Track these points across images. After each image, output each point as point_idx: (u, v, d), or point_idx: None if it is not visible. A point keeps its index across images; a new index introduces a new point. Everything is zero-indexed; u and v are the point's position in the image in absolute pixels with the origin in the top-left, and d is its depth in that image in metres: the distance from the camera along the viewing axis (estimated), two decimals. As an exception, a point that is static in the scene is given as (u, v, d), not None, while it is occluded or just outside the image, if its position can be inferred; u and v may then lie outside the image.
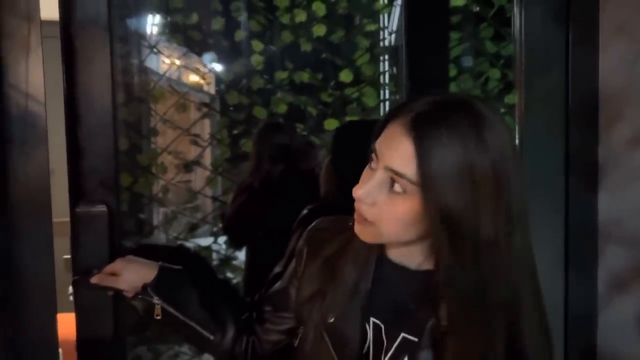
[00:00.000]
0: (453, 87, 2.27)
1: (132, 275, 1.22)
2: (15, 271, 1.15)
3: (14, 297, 1.15)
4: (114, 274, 1.22)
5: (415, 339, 0.95)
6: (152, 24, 2.66)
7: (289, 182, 2.18)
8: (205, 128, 3.17)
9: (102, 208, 1.29)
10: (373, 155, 0.91)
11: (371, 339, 1.00)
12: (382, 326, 0.99)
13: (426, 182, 0.83)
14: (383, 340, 0.98)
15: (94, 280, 1.21)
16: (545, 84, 1.44)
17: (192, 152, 3.06)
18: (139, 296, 1.21)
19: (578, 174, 1.46)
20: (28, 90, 1.13)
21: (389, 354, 0.97)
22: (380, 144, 0.90)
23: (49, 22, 1.24)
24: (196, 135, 3.06)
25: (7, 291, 1.13)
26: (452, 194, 0.83)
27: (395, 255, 0.99)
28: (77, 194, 1.29)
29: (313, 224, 1.17)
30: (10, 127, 1.14)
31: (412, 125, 0.86)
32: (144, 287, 1.20)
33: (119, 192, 1.30)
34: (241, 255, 2.36)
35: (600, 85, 1.44)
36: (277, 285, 1.24)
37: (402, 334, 0.95)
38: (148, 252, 1.27)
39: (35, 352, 1.17)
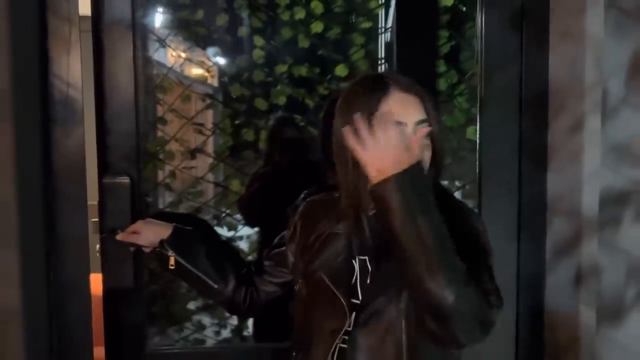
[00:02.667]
0: (442, 83, 2.46)
1: (150, 233, 1.50)
2: (57, 225, 1.43)
3: (56, 247, 1.43)
4: (135, 233, 1.50)
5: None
6: (160, 19, 2.84)
7: (296, 171, 2.44)
8: (209, 118, 3.38)
9: (125, 179, 1.56)
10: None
11: (358, 271, 1.29)
12: (366, 258, 1.28)
13: (430, 115, 1.20)
14: (368, 268, 1.28)
15: (119, 237, 1.48)
16: (503, 79, 1.66)
17: (197, 141, 3.27)
18: (157, 250, 1.48)
19: (530, 155, 1.67)
20: (69, 80, 1.41)
21: (373, 277, 1.27)
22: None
23: (86, 17, 1.51)
24: (200, 125, 3.26)
25: (52, 240, 1.41)
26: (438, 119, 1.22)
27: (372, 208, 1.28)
28: (104, 167, 1.56)
29: (305, 201, 1.47)
30: (54, 110, 1.41)
31: (409, 89, 1.21)
32: (161, 243, 1.47)
33: (140, 165, 1.57)
34: (241, 237, 2.61)
35: (550, 80, 1.67)
36: (278, 248, 1.52)
37: (383, 262, 1.24)
38: (164, 218, 1.53)
39: (72, 292, 1.44)
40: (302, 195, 1.87)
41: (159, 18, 2.83)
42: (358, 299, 1.29)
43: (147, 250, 1.51)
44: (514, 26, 1.65)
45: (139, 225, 1.52)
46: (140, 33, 2.67)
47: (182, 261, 1.49)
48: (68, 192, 1.45)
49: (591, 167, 1.54)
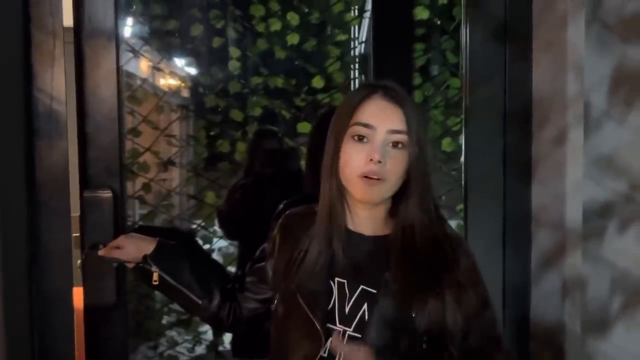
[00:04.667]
0: (417, 95, 2.49)
1: (133, 248, 1.48)
2: (40, 238, 1.40)
3: (38, 259, 1.40)
4: (118, 248, 1.47)
5: (374, 291, 1.22)
6: (133, 29, 2.82)
7: (276, 182, 2.43)
8: (183, 129, 3.35)
9: (107, 192, 1.54)
10: (360, 129, 1.21)
11: (336, 294, 1.27)
12: (345, 281, 1.27)
13: (412, 131, 1.19)
14: (346, 293, 1.26)
15: (101, 252, 1.46)
16: (487, 91, 1.70)
17: (171, 153, 3.24)
18: (140, 265, 1.46)
19: (514, 167, 1.71)
20: (52, 94, 1.39)
21: (351, 303, 1.25)
22: (369, 118, 1.22)
23: (69, 29, 1.49)
24: (173, 137, 3.23)
25: (34, 253, 1.39)
26: (422, 137, 1.19)
27: (355, 225, 1.27)
28: (85, 180, 1.54)
29: (284, 214, 1.46)
30: (37, 122, 1.39)
31: (389, 95, 1.20)
32: (145, 258, 1.46)
33: (122, 178, 1.55)
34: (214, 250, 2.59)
35: (533, 93, 1.71)
36: (258, 262, 1.51)
37: (361, 286, 1.23)
38: (147, 232, 1.51)
39: (54, 305, 1.41)
40: (282, 206, 1.87)
41: (131, 28, 2.81)
42: (335, 324, 1.26)
43: (130, 265, 1.49)
44: (498, 39, 1.69)
45: (121, 240, 1.50)
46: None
47: (166, 277, 1.47)
48: (51, 205, 1.43)
49: (574, 179, 1.58)
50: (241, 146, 2.67)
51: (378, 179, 1.23)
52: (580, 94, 1.55)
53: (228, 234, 2.49)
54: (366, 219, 1.28)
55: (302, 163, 2.36)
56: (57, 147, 1.43)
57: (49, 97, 1.42)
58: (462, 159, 1.75)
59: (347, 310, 1.26)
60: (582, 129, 1.55)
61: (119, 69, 1.55)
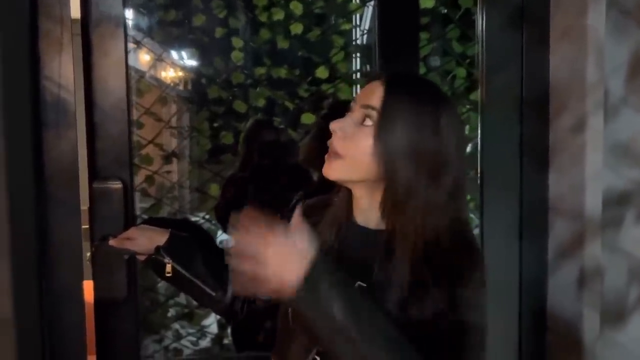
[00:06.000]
0: None
1: (145, 239, 1.43)
2: (49, 231, 1.36)
3: (48, 252, 1.36)
4: (129, 239, 1.43)
5: (364, 285, 1.15)
6: (136, 20, 2.79)
7: (275, 174, 2.39)
8: (185, 121, 3.33)
9: (117, 183, 1.49)
10: (350, 106, 1.15)
11: None
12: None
13: (390, 111, 1.08)
14: None
15: (112, 242, 1.41)
16: (504, 79, 1.66)
17: (174, 145, 3.22)
18: (152, 257, 1.41)
19: (531, 156, 1.67)
20: (60, 82, 1.35)
21: None
22: (359, 95, 1.14)
23: (77, 20, 1.45)
24: (176, 128, 3.21)
25: (43, 248, 1.34)
26: (402, 129, 1.08)
27: (357, 217, 1.22)
28: (94, 171, 1.50)
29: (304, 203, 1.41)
30: (45, 113, 1.35)
31: (390, 82, 1.11)
32: (157, 249, 1.41)
33: (132, 169, 1.51)
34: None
35: (550, 80, 1.67)
36: None
37: (357, 283, 1.16)
38: (157, 223, 1.47)
39: (64, 299, 1.38)
40: (297, 197, 1.83)
41: (133, 19, 2.78)
42: None
43: (141, 257, 1.45)
44: (514, 26, 1.65)
45: (133, 231, 1.45)
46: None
47: (179, 268, 1.42)
48: (60, 197, 1.38)
49: (594, 167, 1.55)
50: (243, 138, 2.64)
51: (335, 153, 1.15)
52: (600, 81, 1.51)
53: (225, 228, 2.45)
54: (364, 209, 1.21)
55: (300, 155, 2.32)
56: (66, 137, 1.38)
57: (57, 86, 1.37)
58: (478, 147, 1.71)
59: None
60: (602, 116, 1.51)
61: (127, 57, 1.51)
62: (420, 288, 1.07)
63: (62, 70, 1.33)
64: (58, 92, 1.36)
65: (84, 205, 1.47)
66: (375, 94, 1.12)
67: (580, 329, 1.59)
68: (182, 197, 3.16)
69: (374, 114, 1.11)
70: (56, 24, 1.35)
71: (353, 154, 1.13)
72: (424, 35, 2.63)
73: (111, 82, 1.51)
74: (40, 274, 1.36)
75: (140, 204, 2.60)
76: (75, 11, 1.41)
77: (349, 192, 1.21)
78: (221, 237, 2.36)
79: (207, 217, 2.75)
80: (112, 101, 1.51)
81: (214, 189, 2.73)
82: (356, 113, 1.14)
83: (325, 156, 1.16)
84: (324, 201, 1.31)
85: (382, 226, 1.17)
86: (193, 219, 2.72)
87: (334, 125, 1.13)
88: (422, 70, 2.55)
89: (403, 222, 1.11)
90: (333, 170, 1.15)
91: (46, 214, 1.37)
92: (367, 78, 1.19)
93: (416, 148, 1.09)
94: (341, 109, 1.19)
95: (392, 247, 1.13)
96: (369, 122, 1.12)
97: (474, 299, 1.07)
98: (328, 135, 1.17)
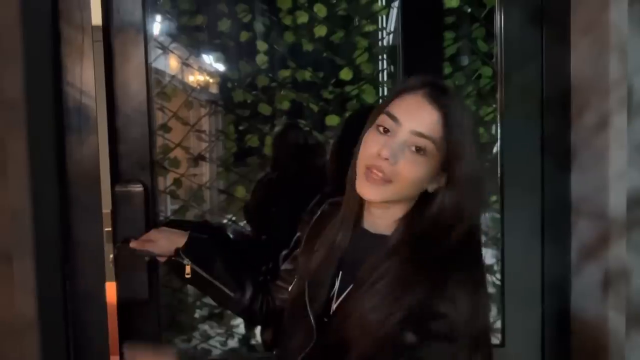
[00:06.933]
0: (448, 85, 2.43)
1: (165, 241, 1.46)
2: (72, 233, 1.39)
3: (71, 254, 1.39)
4: (149, 241, 1.45)
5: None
6: (162, 25, 2.82)
7: (302, 175, 2.40)
8: (212, 124, 3.35)
9: (139, 187, 1.52)
10: (386, 120, 1.12)
11: (337, 287, 1.21)
12: (347, 276, 1.20)
13: (452, 140, 1.08)
14: (345, 287, 1.19)
15: (132, 244, 1.44)
16: (524, 77, 1.64)
17: (200, 148, 3.24)
18: (172, 259, 1.43)
19: (553, 156, 1.65)
20: (82, 87, 1.38)
21: (340, 298, 1.17)
22: (399, 111, 1.12)
23: (99, 28, 1.48)
24: (202, 132, 3.23)
25: (66, 250, 1.37)
26: (466, 148, 1.09)
27: (369, 223, 1.21)
28: (116, 175, 1.52)
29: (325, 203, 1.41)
30: (67, 117, 1.38)
31: (433, 96, 1.10)
32: (176, 251, 1.43)
33: (153, 172, 1.53)
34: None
35: (572, 78, 1.64)
36: (292, 251, 1.48)
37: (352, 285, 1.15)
38: (178, 226, 1.49)
39: (87, 300, 1.41)
40: (318, 197, 1.83)
41: (160, 24, 2.82)
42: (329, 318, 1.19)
43: (162, 259, 1.47)
44: (534, 23, 1.62)
45: (152, 233, 1.47)
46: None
47: (198, 270, 1.44)
48: (83, 200, 1.41)
49: (618, 166, 1.51)
50: (270, 140, 2.65)
51: (382, 179, 1.12)
52: (623, 77, 1.48)
53: (254, 228, 2.47)
54: (378, 217, 1.20)
55: (327, 157, 2.33)
56: (88, 141, 1.41)
57: (78, 92, 1.40)
58: (498, 148, 1.69)
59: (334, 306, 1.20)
60: (626, 114, 1.48)
61: (147, 62, 1.53)
62: (418, 289, 1.06)
63: (84, 76, 1.36)
64: (80, 97, 1.39)
65: (106, 208, 1.50)
66: (428, 118, 1.11)
67: (605, 333, 1.56)
68: (209, 199, 3.18)
69: (429, 144, 1.10)
70: (78, 30, 1.38)
71: (402, 180, 1.12)
72: (448, 35, 2.61)
73: (132, 87, 1.54)
74: (64, 275, 1.39)
75: (171, 206, 2.63)
76: (96, 18, 1.44)
77: (357, 195, 1.21)
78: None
79: (233, 219, 2.77)
80: (133, 105, 1.54)
81: (240, 191, 2.74)
82: (402, 137, 1.11)
83: (365, 174, 1.13)
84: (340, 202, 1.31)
85: (388, 232, 1.17)
86: (220, 220, 2.75)
87: (385, 152, 1.11)
88: (447, 70, 2.53)
89: (429, 232, 1.11)
90: (378, 194, 1.13)
91: (69, 217, 1.40)
92: (401, 88, 1.17)
93: (478, 172, 1.12)
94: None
95: (399, 250, 1.12)
96: (420, 149, 1.11)
97: (471, 307, 1.06)
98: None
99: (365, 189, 1.12)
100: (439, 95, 1.11)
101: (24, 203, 1.23)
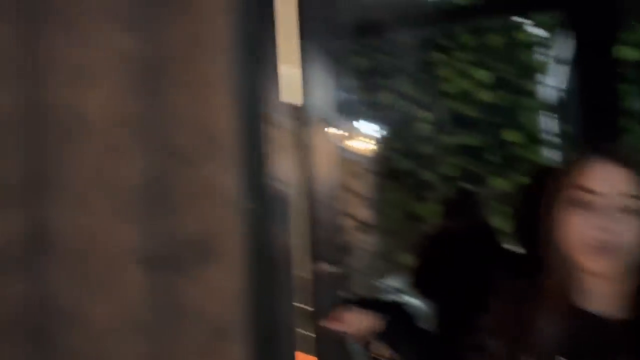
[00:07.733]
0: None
1: (358, 322, 1.47)
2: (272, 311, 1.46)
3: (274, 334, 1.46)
4: (342, 321, 1.48)
5: None
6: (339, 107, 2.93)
7: (467, 237, 2.36)
8: (377, 192, 3.41)
9: (333, 267, 1.57)
10: (583, 195, 1.09)
11: None
12: None
13: None
14: None
15: (326, 323, 1.47)
16: None
17: (366, 215, 3.30)
18: (369, 342, 1.45)
19: None
20: (281, 177, 1.47)
21: None
22: (596, 183, 1.08)
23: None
24: (368, 199, 3.29)
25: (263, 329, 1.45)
26: None
27: (586, 301, 1.14)
28: (315, 255, 1.58)
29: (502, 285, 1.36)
30: (268, 205, 1.47)
31: (621, 160, 1.07)
32: (373, 334, 1.45)
33: (348, 254, 1.58)
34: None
35: None
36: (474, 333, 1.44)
37: None
38: (363, 303, 1.51)
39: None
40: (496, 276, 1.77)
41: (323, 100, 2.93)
42: None
43: (357, 341, 1.50)
44: None
45: (345, 313, 1.50)
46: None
47: (397, 357, 1.45)
48: (277, 278, 1.49)
49: None
50: (435, 207, 2.66)
51: (610, 250, 1.08)
52: None
53: (424, 294, 2.43)
54: (600, 295, 1.14)
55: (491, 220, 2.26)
56: (282, 225, 1.49)
57: (278, 181, 1.49)
58: None
59: None
60: None
61: (337, 146, 1.60)
62: None
63: (283, 167, 1.46)
64: (279, 186, 1.48)
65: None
66: (624, 180, 1.09)
67: None
68: (375, 265, 3.22)
69: (637, 203, 1.09)
70: (280, 131, 1.49)
71: (627, 245, 1.09)
72: (625, 88, 2.50)
73: (326, 173, 1.61)
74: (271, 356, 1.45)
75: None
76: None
77: (569, 275, 1.16)
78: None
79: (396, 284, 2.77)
80: (326, 191, 1.61)
81: (405, 257, 2.76)
82: (609, 202, 1.09)
83: (592, 252, 1.11)
84: (524, 284, 1.27)
85: (618, 313, 1.11)
86: (384, 286, 2.76)
87: (605, 225, 1.09)
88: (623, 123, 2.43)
89: None
90: (609, 266, 1.10)
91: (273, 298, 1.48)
92: (584, 158, 1.15)
93: None
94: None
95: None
96: (632, 211, 1.09)
97: None
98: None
99: (597, 266, 1.09)
100: (621, 157, 1.09)
101: (242, 284, 1.32)
